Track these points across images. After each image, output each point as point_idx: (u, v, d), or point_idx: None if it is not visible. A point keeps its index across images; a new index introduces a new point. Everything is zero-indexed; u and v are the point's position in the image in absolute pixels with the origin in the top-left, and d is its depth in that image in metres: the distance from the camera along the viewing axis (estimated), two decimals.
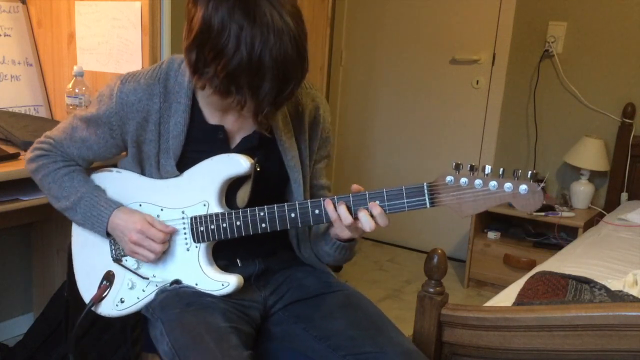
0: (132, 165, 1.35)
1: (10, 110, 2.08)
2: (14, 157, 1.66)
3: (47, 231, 2.30)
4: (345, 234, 1.25)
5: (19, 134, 1.78)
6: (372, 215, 1.19)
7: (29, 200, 1.62)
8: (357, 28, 3.90)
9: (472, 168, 1.14)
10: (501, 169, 1.14)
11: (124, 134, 1.31)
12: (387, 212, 1.19)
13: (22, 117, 2.01)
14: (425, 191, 1.16)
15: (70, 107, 1.94)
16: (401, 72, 3.78)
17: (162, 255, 1.33)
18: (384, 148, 3.93)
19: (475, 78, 3.55)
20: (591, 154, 3.11)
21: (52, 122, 2.08)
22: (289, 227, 1.25)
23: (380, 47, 3.84)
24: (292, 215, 1.23)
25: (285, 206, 1.24)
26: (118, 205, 1.34)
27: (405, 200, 1.17)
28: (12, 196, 1.61)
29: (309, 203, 1.23)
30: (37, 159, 1.38)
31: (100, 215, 1.32)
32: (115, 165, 1.40)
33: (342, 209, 1.19)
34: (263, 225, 1.25)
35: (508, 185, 1.12)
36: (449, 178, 1.15)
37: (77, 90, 1.94)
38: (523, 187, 1.11)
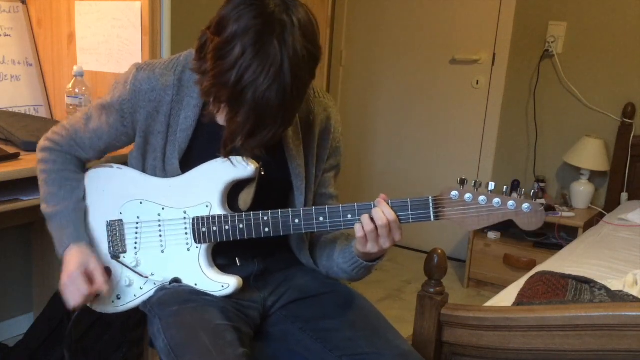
0: (137, 157, 1.34)
1: (10, 110, 2.08)
2: (14, 157, 1.66)
3: (47, 231, 2.29)
4: (370, 247, 1.21)
5: (19, 134, 1.78)
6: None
7: (29, 200, 1.61)
8: (357, 28, 3.90)
9: (476, 184, 1.17)
10: (505, 187, 1.17)
11: (134, 122, 1.31)
12: None
13: (22, 117, 2.01)
14: (430, 205, 1.18)
15: (70, 107, 1.94)
16: (401, 72, 3.78)
17: (162, 254, 1.33)
18: (384, 148, 3.93)
19: (475, 78, 3.55)
20: (591, 154, 3.11)
21: (52, 122, 2.08)
22: (292, 232, 1.25)
23: (380, 47, 3.83)
24: (296, 221, 1.23)
25: (290, 212, 1.23)
26: (80, 240, 1.34)
27: (410, 213, 1.19)
28: (12, 196, 1.60)
29: (313, 210, 1.23)
30: (45, 150, 1.40)
31: (62, 241, 1.34)
32: (125, 163, 1.40)
33: (365, 216, 1.19)
34: (266, 229, 1.25)
35: (511, 203, 1.14)
36: (453, 193, 1.17)
37: (77, 90, 1.93)
38: (526, 206, 1.14)
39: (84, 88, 1.94)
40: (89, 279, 1.31)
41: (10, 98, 2.10)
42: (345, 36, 3.94)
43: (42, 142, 1.42)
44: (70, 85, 1.95)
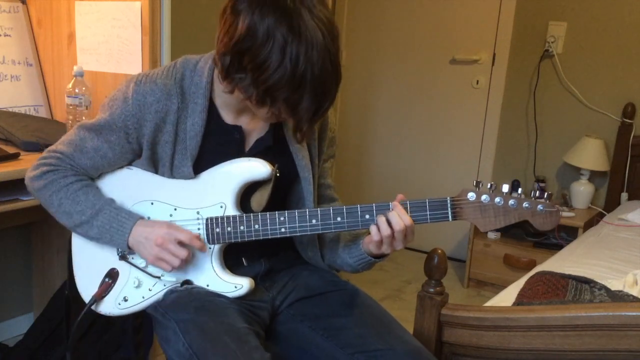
0: (148, 164, 1.32)
1: (10, 110, 2.08)
2: (14, 157, 1.66)
3: (47, 231, 2.30)
4: (384, 249, 1.24)
5: (19, 134, 1.78)
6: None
7: (29, 200, 1.61)
8: (357, 28, 3.90)
9: (491, 186, 1.22)
10: (520, 189, 1.22)
11: (140, 137, 1.27)
12: None
13: (22, 117, 2.01)
14: (449, 205, 1.21)
15: (70, 107, 1.94)
16: (401, 72, 3.78)
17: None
18: (384, 148, 3.93)
19: (475, 78, 3.55)
20: (591, 154, 3.11)
21: (52, 122, 2.08)
22: (309, 232, 1.25)
23: (380, 47, 3.84)
24: (313, 221, 1.24)
25: (307, 212, 1.24)
26: (140, 216, 1.30)
27: (428, 213, 1.22)
28: (12, 196, 1.60)
29: (331, 210, 1.24)
30: (44, 175, 1.31)
31: (122, 226, 1.28)
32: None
33: (382, 220, 1.21)
34: (282, 229, 1.25)
35: (526, 204, 1.20)
36: (470, 194, 1.21)
37: (77, 90, 1.93)
38: (540, 207, 1.20)
39: (84, 88, 1.94)
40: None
41: (10, 98, 2.10)
42: (345, 36, 3.94)
43: (34, 172, 1.32)
44: (70, 85, 1.95)
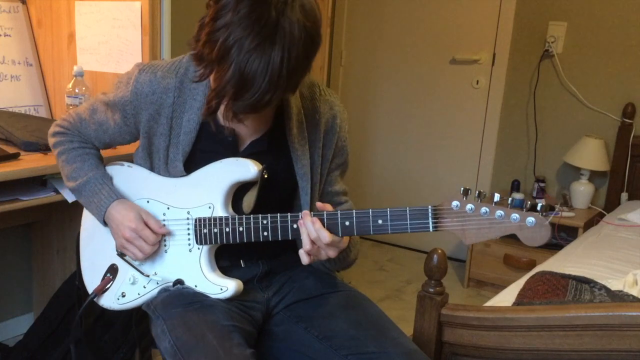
0: (143, 157, 1.36)
1: (10, 110, 2.08)
2: (14, 157, 1.66)
3: (47, 231, 2.30)
4: (315, 259, 1.24)
5: (19, 134, 1.78)
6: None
7: (29, 200, 1.62)
8: (357, 28, 3.90)
9: (480, 194, 1.12)
10: (510, 199, 1.11)
11: (137, 122, 1.32)
12: (390, 232, 1.17)
13: (22, 117, 2.01)
14: (430, 215, 1.14)
15: (70, 107, 1.94)
16: (401, 72, 3.78)
17: (165, 254, 1.34)
18: (384, 148, 3.93)
19: (475, 78, 3.55)
20: (591, 154, 3.11)
21: (52, 122, 2.08)
22: (290, 237, 1.24)
23: (380, 47, 3.84)
24: (295, 226, 1.23)
25: (289, 216, 1.23)
26: (119, 197, 1.35)
27: (408, 222, 1.15)
28: (12, 196, 1.61)
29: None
30: (56, 134, 1.44)
31: (100, 203, 1.34)
32: (131, 159, 1.42)
33: (304, 234, 1.20)
34: (265, 233, 1.25)
35: (515, 216, 1.09)
36: (454, 203, 1.12)
37: (77, 90, 1.93)
38: (530, 220, 1.08)
39: (84, 88, 1.94)
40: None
41: (10, 98, 2.10)
42: (345, 36, 3.94)
43: (52, 129, 1.46)
44: (70, 85, 1.95)
